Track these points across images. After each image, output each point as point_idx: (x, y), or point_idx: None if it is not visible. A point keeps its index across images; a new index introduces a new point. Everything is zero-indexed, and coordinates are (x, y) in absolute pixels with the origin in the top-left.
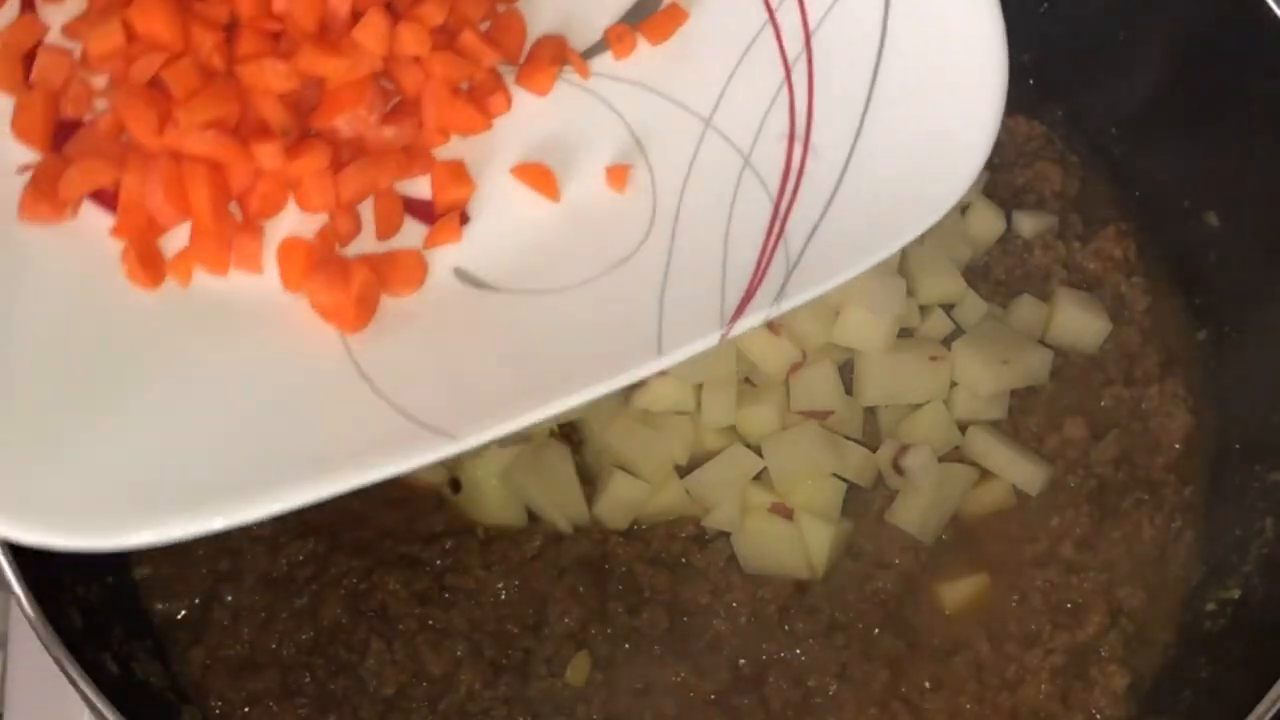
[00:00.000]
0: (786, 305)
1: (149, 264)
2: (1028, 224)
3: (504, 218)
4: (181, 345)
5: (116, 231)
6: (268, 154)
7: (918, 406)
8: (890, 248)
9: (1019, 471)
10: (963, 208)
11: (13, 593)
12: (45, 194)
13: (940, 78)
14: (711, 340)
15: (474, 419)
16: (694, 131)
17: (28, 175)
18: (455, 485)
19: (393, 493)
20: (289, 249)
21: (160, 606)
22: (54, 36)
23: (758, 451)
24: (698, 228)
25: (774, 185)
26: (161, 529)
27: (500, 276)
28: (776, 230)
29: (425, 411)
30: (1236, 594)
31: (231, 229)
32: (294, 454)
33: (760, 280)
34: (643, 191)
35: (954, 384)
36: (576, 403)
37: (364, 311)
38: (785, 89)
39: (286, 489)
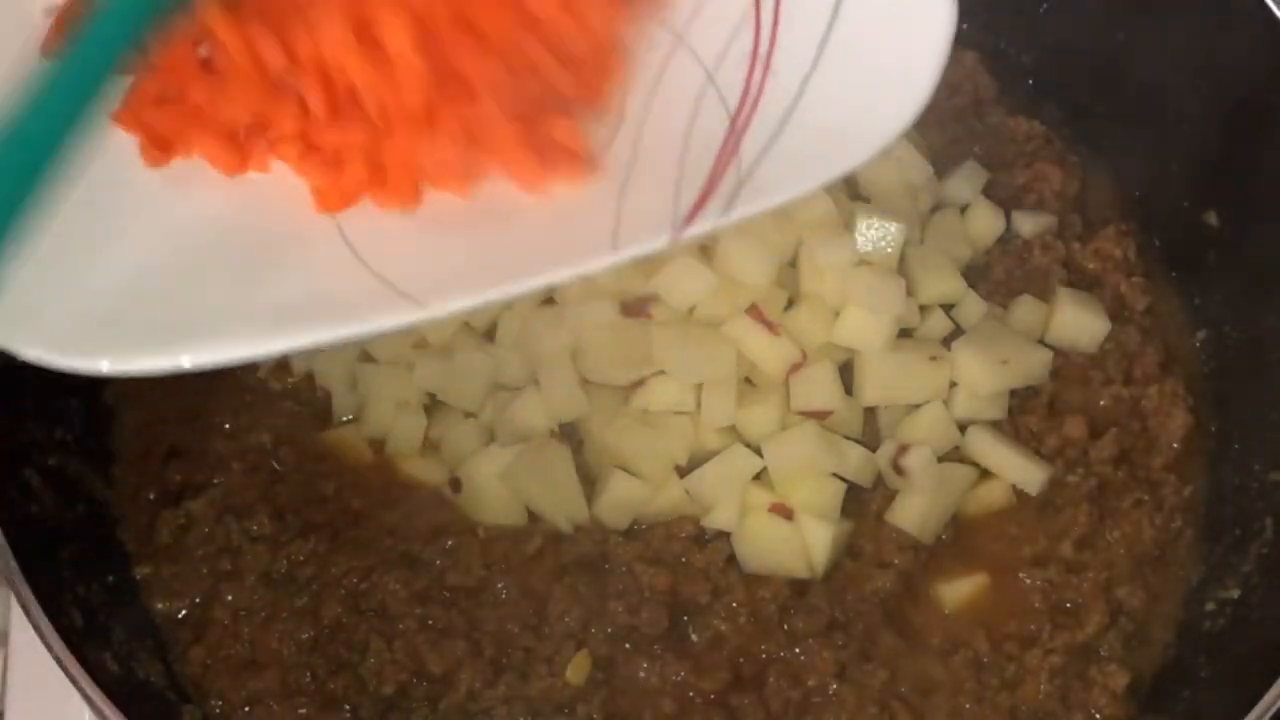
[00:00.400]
0: (735, 216)
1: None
2: (1028, 224)
3: None
4: (180, 185)
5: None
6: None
7: (917, 406)
8: (835, 171)
9: (1019, 471)
10: (962, 207)
11: (13, 591)
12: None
13: (894, 11)
14: (662, 241)
15: (442, 291)
16: (667, 47)
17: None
18: (455, 485)
19: (393, 492)
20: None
21: (160, 606)
22: None
23: (758, 451)
24: (659, 136)
25: (733, 103)
26: (133, 359)
27: None
28: (731, 145)
29: (399, 278)
30: (1236, 594)
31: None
32: (273, 303)
33: (712, 191)
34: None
35: (954, 384)
36: (535, 286)
37: (348, 200)
38: (754, 12)
39: (260, 335)
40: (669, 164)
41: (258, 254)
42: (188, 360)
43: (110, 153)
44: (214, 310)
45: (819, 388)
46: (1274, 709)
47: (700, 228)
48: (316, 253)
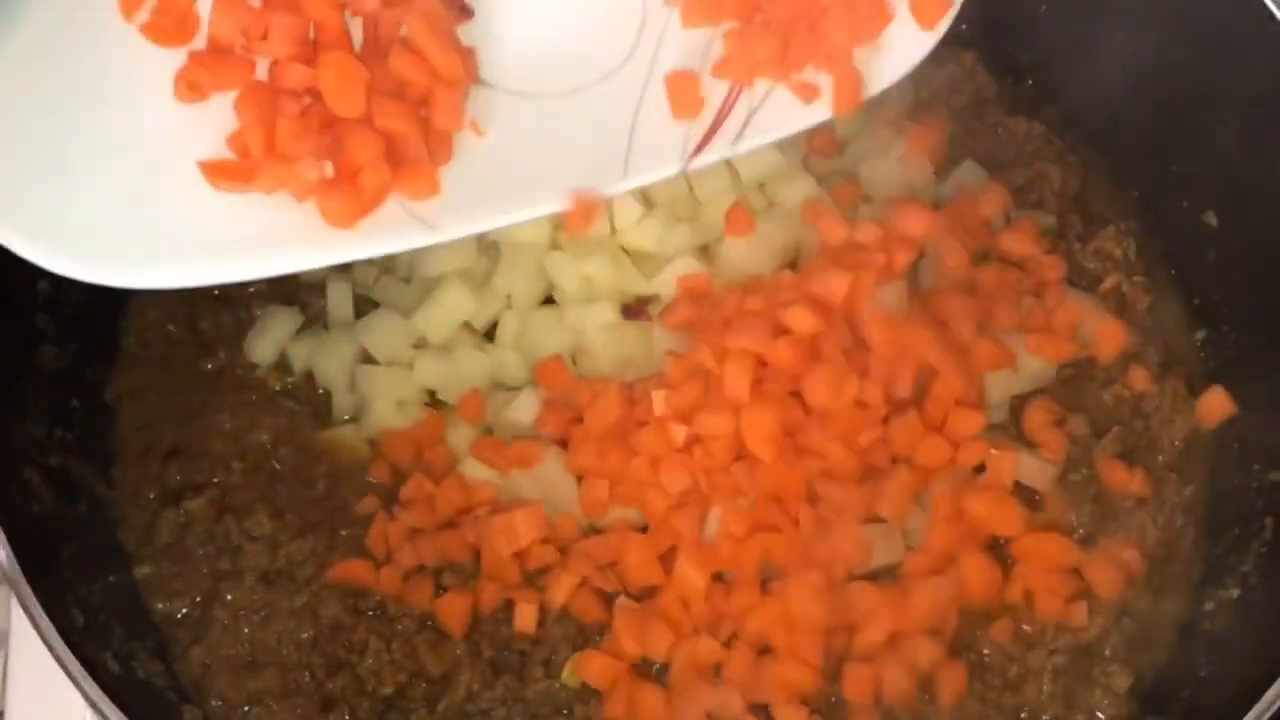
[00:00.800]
0: (743, 147)
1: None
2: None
3: (506, 19)
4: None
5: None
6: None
7: None
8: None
9: (1024, 469)
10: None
11: (14, 591)
12: None
13: None
14: (671, 170)
15: (455, 216)
16: None
17: None
18: None
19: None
20: None
21: (161, 605)
22: None
23: None
24: (674, 65)
25: None
26: (204, 268)
27: (499, 76)
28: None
29: (418, 205)
30: (1236, 593)
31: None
32: (294, 223)
33: (723, 121)
34: (633, 14)
35: None
36: (546, 212)
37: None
38: None
39: (285, 254)
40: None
41: None
42: (236, 273)
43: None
44: (250, 230)
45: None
46: (1274, 709)
47: (709, 158)
48: None
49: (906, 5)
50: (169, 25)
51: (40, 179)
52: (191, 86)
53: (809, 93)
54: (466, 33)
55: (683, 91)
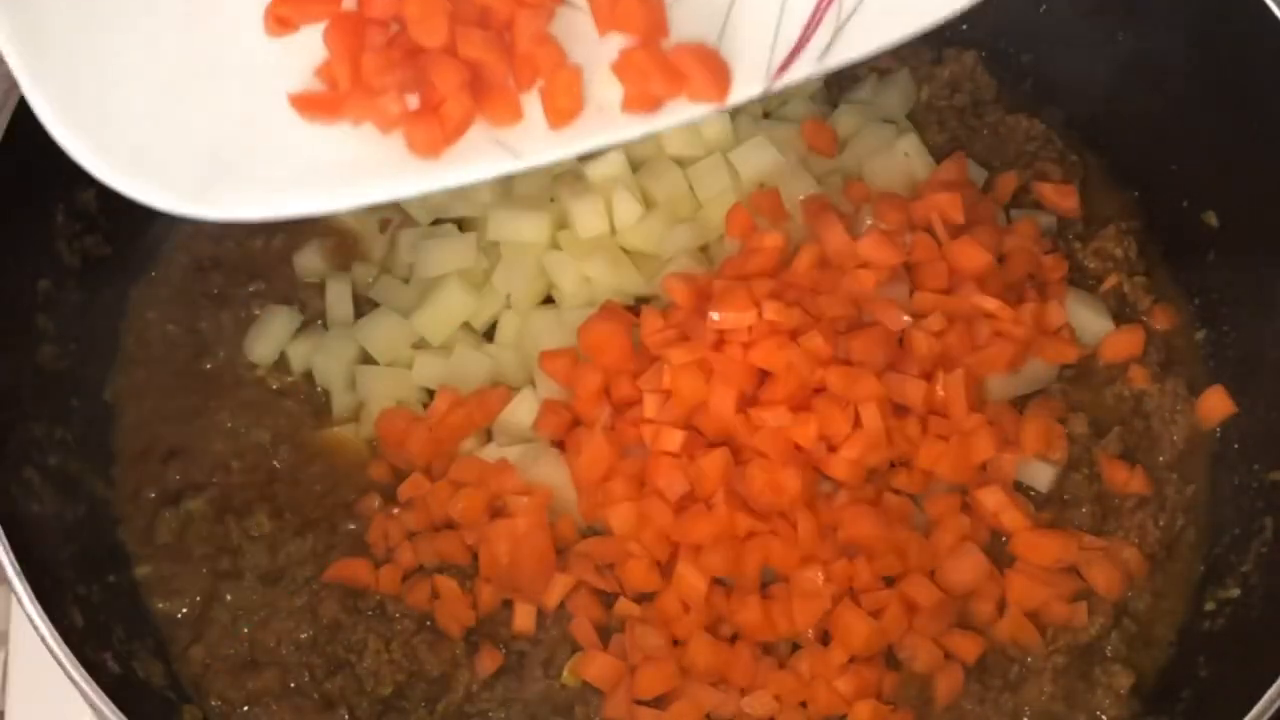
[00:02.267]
0: (831, 63)
1: None
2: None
3: None
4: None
5: None
6: None
7: None
8: (936, 17)
9: (1026, 469)
10: None
11: (14, 591)
12: None
13: None
14: (757, 90)
15: (540, 142)
16: None
17: None
18: None
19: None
20: None
21: (160, 605)
22: None
23: None
24: None
25: None
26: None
27: None
28: None
29: (503, 132)
30: (1236, 594)
31: None
32: (381, 154)
33: (810, 36)
34: None
35: None
36: (630, 137)
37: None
38: None
39: (373, 184)
40: (769, 9)
41: None
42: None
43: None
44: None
45: None
46: (1274, 709)
47: (794, 75)
48: None
49: None
50: None
51: (140, 114)
52: (280, 20)
53: None
54: None
55: None
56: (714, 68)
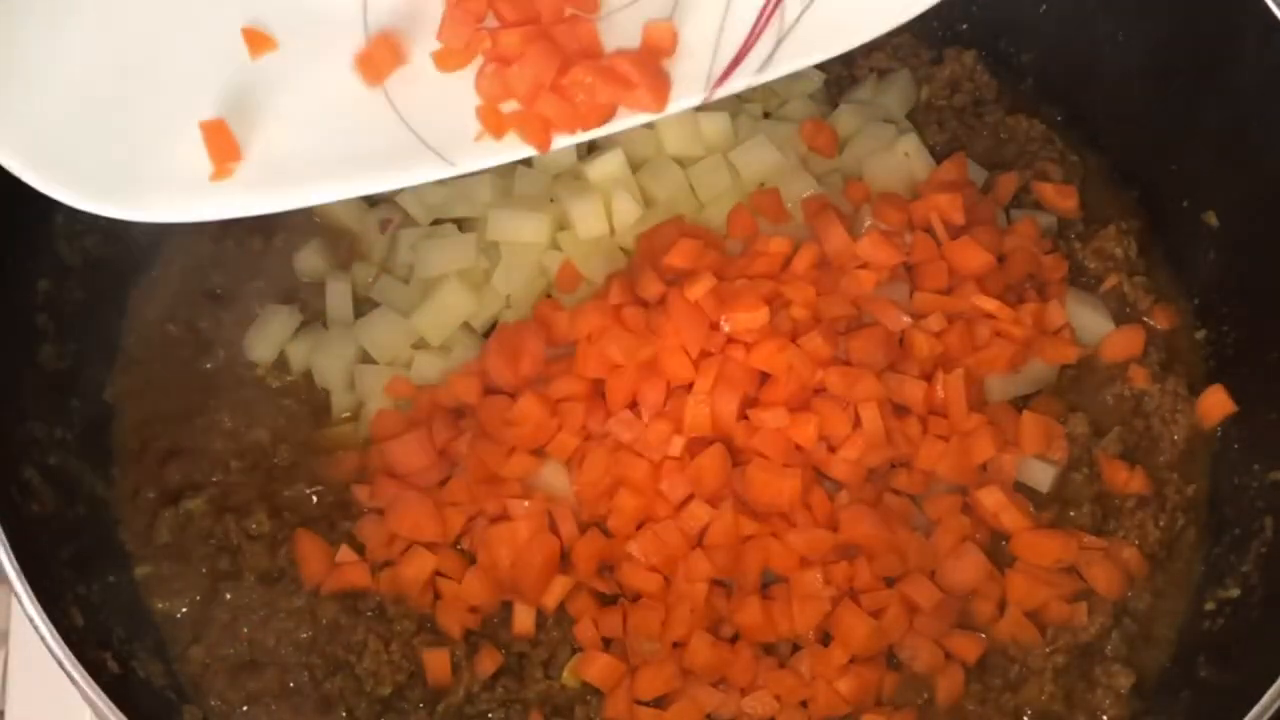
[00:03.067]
0: (771, 74)
1: None
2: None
3: None
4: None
5: None
6: None
7: None
8: (877, 30)
9: (1026, 469)
10: None
11: (13, 591)
12: None
13: None
14: (697, 99)
15: (470, 151)
16: None
17: None
18: None
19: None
20: None
21: (160, 605)
22: None
23: None
24: None
25: None
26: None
27: None
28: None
29: (434, 138)
30: (1236, 594)
31: None
32: (322, 159)
33: (751, 47)
34: None
35: None
36: (564, 145)
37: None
38: None
39: (307, 188)
40: (711, 17)
41: (320, 113)
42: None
43: None
44: (280, 165)
45: None
46: (1274, 709)
47: (734, 86)
48: (366, 114)
49: None
50: None
51: (55, 112)
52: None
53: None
54: None
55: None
56: (654, 77)
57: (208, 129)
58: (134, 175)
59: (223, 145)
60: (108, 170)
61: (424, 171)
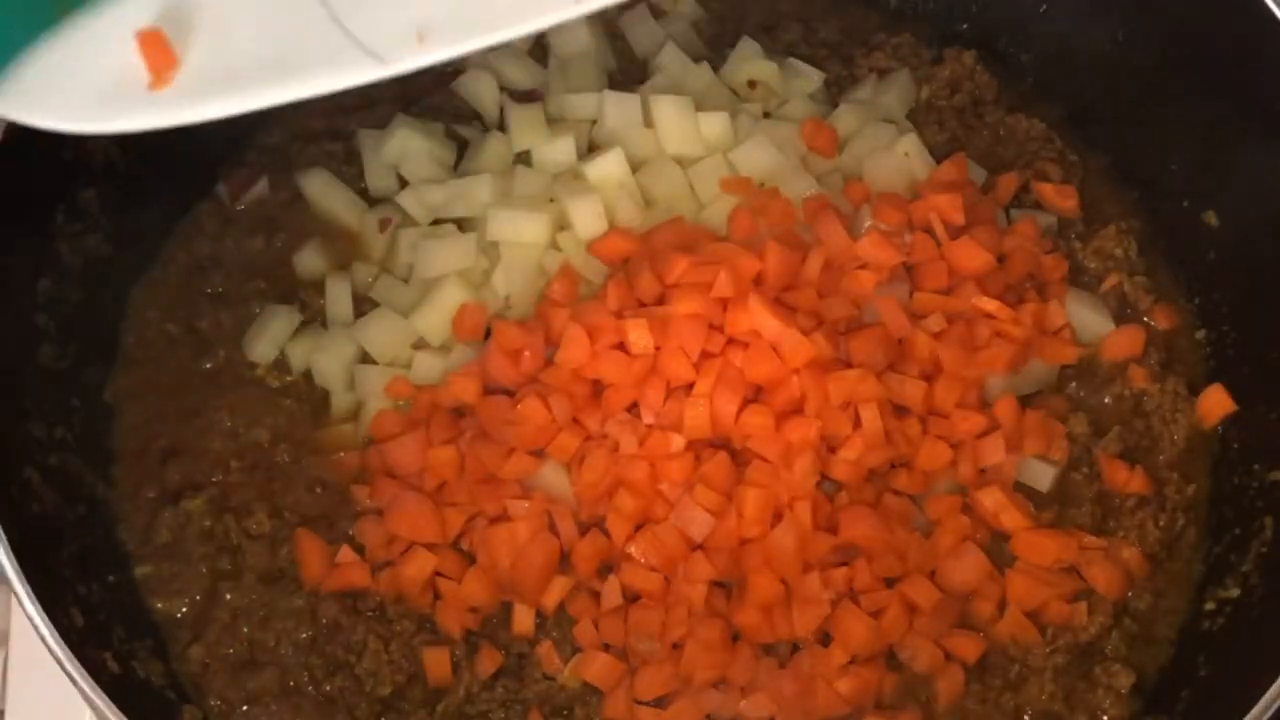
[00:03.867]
0: None
1: None
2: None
3: None
4: None
5: None
6: None
7: None
8: None
9: (1026, 469)
10: None
11: (13, 591)
12: None
13: None
14: None
15: (405, 47)
16: None
17: None
18: None
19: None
20: None
21: (160, 605)
22: None
23: None
24: None
25: None
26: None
27: None
28: None
29: (368, 38)
30: (1236, 594)
31: None
32: (251, 62)
33: None
34: None
35: None
36: (494, 41)
37: None
38: None
39: (244, 93)
40: None
41: (254, 17)
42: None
43: None
44: (207, 70)
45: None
46: (1274, 709)
47: None
48: (300, 17)
49: None
50: None
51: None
52: None
53: None
54: None
55: None
56: None
57: (144, 38)
58: (71, 85)
59: (159, 54)
60: (44, 81)
61: (358, 73)
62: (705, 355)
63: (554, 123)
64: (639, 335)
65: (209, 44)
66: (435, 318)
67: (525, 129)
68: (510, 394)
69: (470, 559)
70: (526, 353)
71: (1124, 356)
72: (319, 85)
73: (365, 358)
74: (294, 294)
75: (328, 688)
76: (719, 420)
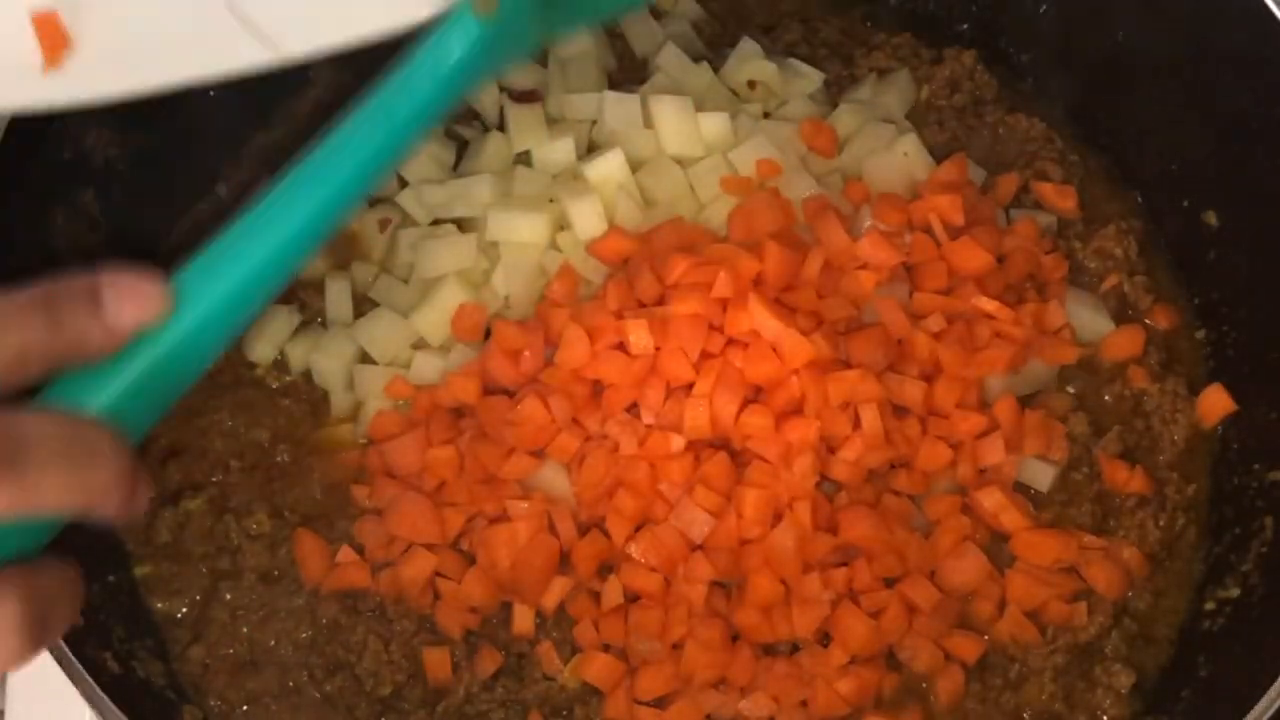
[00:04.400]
0: None
1: None
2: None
3: None
4: None
5: None
6: None
7: None
8: None
9: (1026, 469)
10: None
11: None
12: None
13: None
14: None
15: (302, 33)
16: None
17: None
18: None
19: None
20: None
21: (160, 605)
22: None
23: None
24: None
25: None
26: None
27: None
28: None
29: (264, 22)
30: (1236, 594)
31: None
32: (143, 45)
33: None
34: None
35: None
36: (378, 32)
37: None
38: None
39: (138, 75)
40: None
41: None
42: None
43: None
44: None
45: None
46: (1274, 709)
47: None
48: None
49: None
50: None
51: None
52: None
53: None
54: None
55: None
56: None
57: (39, 20)
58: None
59: (53, 35)
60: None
61: (250, 57)
62: (705, 355)
63: (554, 123)
64: (639, 336)
65: (102, 26)
66: (435, 318)
67: (525, 129)
68: (510, 394)
69: (470, 559)
70: (526, 353)
71: (1124, 356)
72: (211, 68)
73: (365, 358)
74: (293, 294)
75: (328, 688)
76: (719, 420)
